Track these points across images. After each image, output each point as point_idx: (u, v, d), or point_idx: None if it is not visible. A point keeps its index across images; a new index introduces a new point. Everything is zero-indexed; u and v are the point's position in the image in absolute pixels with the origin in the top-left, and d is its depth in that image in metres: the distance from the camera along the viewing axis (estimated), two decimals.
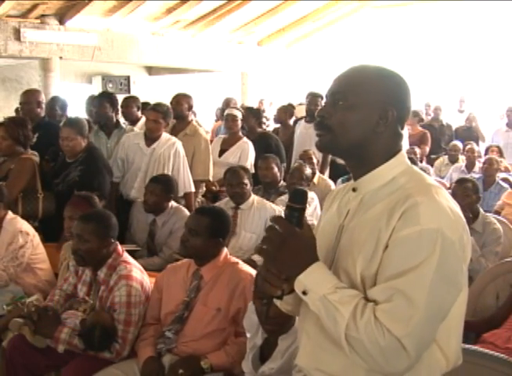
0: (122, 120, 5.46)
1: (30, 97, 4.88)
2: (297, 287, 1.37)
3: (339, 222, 1.51)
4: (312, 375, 1.51)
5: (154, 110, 4.64)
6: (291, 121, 7.23)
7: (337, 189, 1.66)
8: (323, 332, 1.41)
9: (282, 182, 5.09)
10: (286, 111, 7.24)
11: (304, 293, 1.36)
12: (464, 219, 1.42)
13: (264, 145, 5.74)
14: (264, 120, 7.04)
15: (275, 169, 4.96)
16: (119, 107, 5.29)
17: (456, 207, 1.41)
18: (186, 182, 4.68)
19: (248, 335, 2.40)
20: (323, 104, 1.53)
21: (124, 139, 4.75)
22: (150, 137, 4.64)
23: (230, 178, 4.23)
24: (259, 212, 4.07)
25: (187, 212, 4.21)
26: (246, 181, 4.17)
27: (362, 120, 1.45)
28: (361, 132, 1.45)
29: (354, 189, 1.50)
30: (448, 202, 1.39)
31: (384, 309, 1.30)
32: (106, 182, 4.12)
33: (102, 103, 5.00)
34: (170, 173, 4.58)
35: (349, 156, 1.52)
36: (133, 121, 5.37)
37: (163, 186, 4.04)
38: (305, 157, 5.60)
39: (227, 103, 7.71)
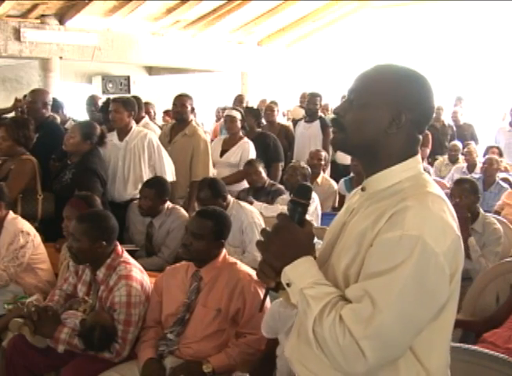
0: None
1: (36, 97, 4.87)
2: (282, 278, 1.39)
3: (344, 219, 1.52)
4: (295, 367, 1.53)
5: (113, 101, 4.75)
6: (277, 119, 7.32)
7: (356, 189, 1.64)
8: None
9: (268, 181, 5.06)
10: (275, 109, 7.29)
11: (288, 285, 1.38)
12: (459, 234, 1.37)
13: (262, 144, 5.75)
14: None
15: (263, 173, 5.00)
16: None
17: (452, 220, 1.36)
18: (164, 172, 4.62)
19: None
20: (342, 101, 1.51)
21: None
22: (118, 129, 4.65)
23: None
24: (236, 213, 4.00)
25: (184, 212, 4.22)
26: None
27: (374, 120, 1.42)
28: (372, 132, 1.43)
29: (363, 189, 1.50)
30: (444, 213, 1.35)
31: (350, 308, 1.29)
32: (95, 185, 4.10)
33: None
34: (146, 164, 4.59)
35: (360, 155, 1.51)
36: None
37: (156, 190, 4.04)
38: (315, 157, 5.63)
39: (240, 101, 7.67)
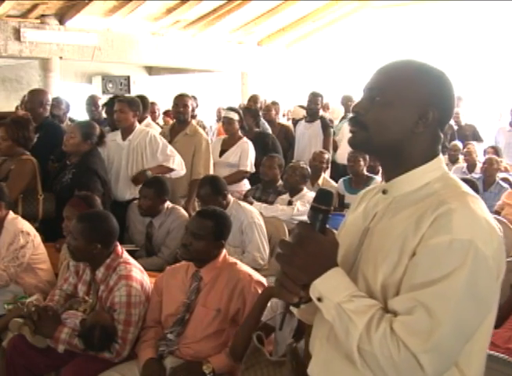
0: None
1: (32, 97, 4.89)
2: (312, 293, 1.28)
3: (364, 224, 1.41)
4: None
5: (119, 101, 4.77)
6: (278, 119, 7.33)
7: (366, 190, 1.56)
8: (338, 342, 1.32)
9: (280, 182, 5.13)
10: (273, 109, 7.30)
11: (320, 300, 1.27)
12: (501, 234, 1.30)
13: (261, 144, 5.76)
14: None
15: (277, 170, 5.04)
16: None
17: (491, 219, 1.30)
18: (165, 157, 4.64)
19: None
20: (360, 99, 1.41)
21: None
22: (122, 129, 4.69)
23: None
24: (236, 213, 3.99)
25: (183, 212, 4.22)
26: None
27: (400, 118, 1.34)
28: (398, 132, 1.35)
29: (384, 192, 1.41)
30: (484, 213, 1.28)
31: (402, 321, 1.20)
32: (96, 185, 4.10)
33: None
34: (149, 162, 4.61)
35: (383, 156, 1.42)
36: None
37: (155, 190, 4.04)
38: (318, 159, 5.63)
39: (254, 101, 7.69)
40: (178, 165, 4.72)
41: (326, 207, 1.34)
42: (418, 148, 1.36)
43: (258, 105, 7.52)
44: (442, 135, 1.41)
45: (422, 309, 1.20)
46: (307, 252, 1.28)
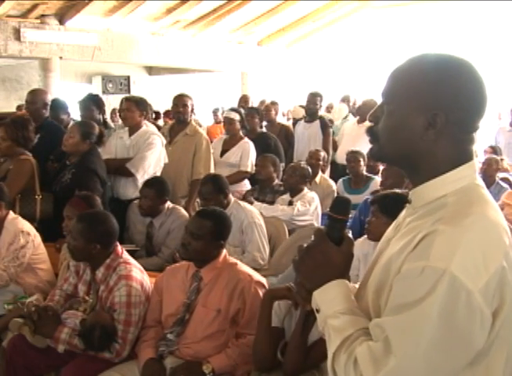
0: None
1: (35, 97, 4.88)
2: (312, 303, 1.26)
3: (390, 235, 1.33)
4: None
5: (126, 100, 4.85)
6: (277, 119, 7.35)
7: None
8: None
9: (276, 181, 5.12)
10: (273, 109, 7.34)
11: (317, 311, 1.24)
12: (504, 265, 1.11)
13: (263, 144, 5.77)
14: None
15: (270, 169, 5.02)
16: (105, 108, 5.38)
17: (497, 247, 1.13)
18: (135, 167, 4.54)
19: None
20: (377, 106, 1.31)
21: (112, 136, 4.85)
22: (129, 127, 4.73)
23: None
24: (236, 213, 3.99)
25: (184, 212, 4.22)
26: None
27: (405, 127, 1.21)
28: (406, 142, 1.22)
29: (409, 201, 1.30)
30: (485, 241, 1.12)
31: (368, 346, 1.14)
32: (96, 185, 4.09)
33: (88, 106, 5.07)
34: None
35: (400, 166, 1.31)
36: None
37: (156, 190, 4.04)
38: (314, 157, 5.64)
39: (245, 101, 7.70)
40: (139, 173, 4.55)
41: (343, 216, 1.30)
42: (435, 156, 1.22)
43: (249, 105, 7.54)
44: (474, 136, 1.25)
45: (383, 336, 1.12)
46: (312, 260, 1.26)
